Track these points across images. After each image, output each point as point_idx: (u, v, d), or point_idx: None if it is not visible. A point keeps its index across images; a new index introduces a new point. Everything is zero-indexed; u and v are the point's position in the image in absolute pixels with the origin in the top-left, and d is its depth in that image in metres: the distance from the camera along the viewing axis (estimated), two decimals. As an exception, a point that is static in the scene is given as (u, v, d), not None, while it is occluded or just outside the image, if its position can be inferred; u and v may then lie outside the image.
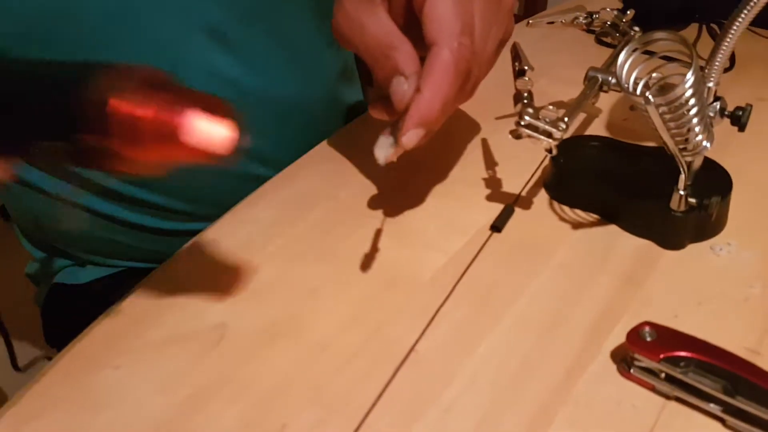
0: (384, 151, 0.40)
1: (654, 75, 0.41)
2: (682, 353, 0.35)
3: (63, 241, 0.66)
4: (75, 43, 0.48)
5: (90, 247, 0.66)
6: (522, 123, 0.42)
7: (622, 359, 0.37)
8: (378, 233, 0.47)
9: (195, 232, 0.48)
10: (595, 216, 0.48)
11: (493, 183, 0.51)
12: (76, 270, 0.69)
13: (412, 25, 0.40)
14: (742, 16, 0.40)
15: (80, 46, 0.48)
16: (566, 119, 0.42)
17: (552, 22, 0.51)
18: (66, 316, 0.68)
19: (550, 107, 0.42)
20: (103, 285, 0.67)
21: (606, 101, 0.60)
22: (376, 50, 0.39)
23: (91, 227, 0.62)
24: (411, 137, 0.38)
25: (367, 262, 0.44)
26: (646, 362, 0.36)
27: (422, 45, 0.39)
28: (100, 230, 0.62)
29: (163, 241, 0.63)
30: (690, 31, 0.73)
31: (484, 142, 0.55)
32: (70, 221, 0.62)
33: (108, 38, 0.49)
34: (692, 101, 0.38)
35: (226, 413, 0.36)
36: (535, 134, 0.42)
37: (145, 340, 0.40)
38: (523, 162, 0.52)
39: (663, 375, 0.36)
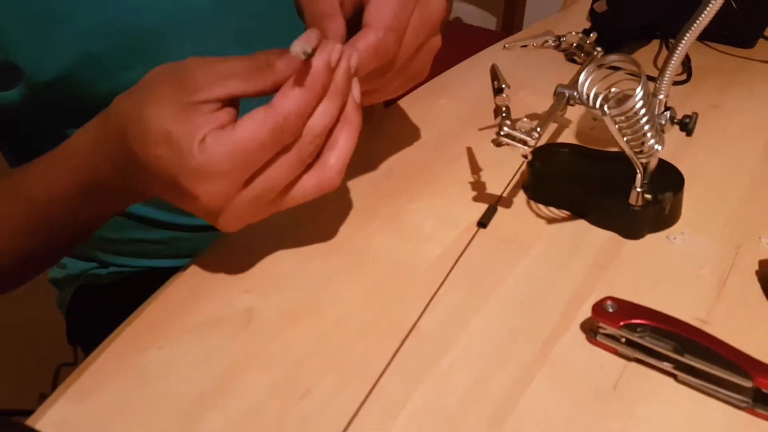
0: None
1: (613, 89, 0.48)
2: (639, 321, 0.42)
3: (92, 245, 0.72)
4: (132, 58, 0.55)
5: (119, 249, 0.72)
6: (501, 133, 0.49)
7: (590, 329, 0.44)
8: (380, 230, 0.53)
9: None
10: (567, 212, 0.55)
11: (478, 185, 0.58)
12: (98, 273, 0.75)
13: (353, 23, 0.46)
14: (686, 38, 0.47)
15: (133, 59, 0.55)
16: (538, 129, 0.49)
17: (525, 46, 0.58)
18: (90, 317, 0.74)
19: (525, 119, 0.49)
20: (125, 286, 0.73)
21: (575, 113, 0.67)
22: (317, 16, 0.45)
23: (124, 230, 0.68)
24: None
25: (372, 255, 0.51)
26: (609, 330, 0.43)
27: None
28: (132, 232, 0.69)
29: (193, 237, 0.69)
30: (651, 47, 0.81)
31: (469, 150, 0.62)
32: (104, 226, 0.68)
33: (155, 50, 0.55)
34: (643, 111, 0.46)
35: (259, 382, 0.42)
36: (513, 142, 0.49)
37: (183, 325, 0.46)
38: (504, 167, 0.59)
39: (624, 340, 0.43)
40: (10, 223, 0.50)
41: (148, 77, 0.42)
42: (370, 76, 0.45)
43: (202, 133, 0.40)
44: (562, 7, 0.98)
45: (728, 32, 0.51)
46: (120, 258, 0.74)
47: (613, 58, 0.45)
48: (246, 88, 0.41)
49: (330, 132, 0.43)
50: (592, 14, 0.86)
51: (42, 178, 0.48)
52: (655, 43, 0.81)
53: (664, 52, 0.79)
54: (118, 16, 0.53)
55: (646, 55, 0.80)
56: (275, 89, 0.42)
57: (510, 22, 1.81)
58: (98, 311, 0.74)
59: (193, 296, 0.48)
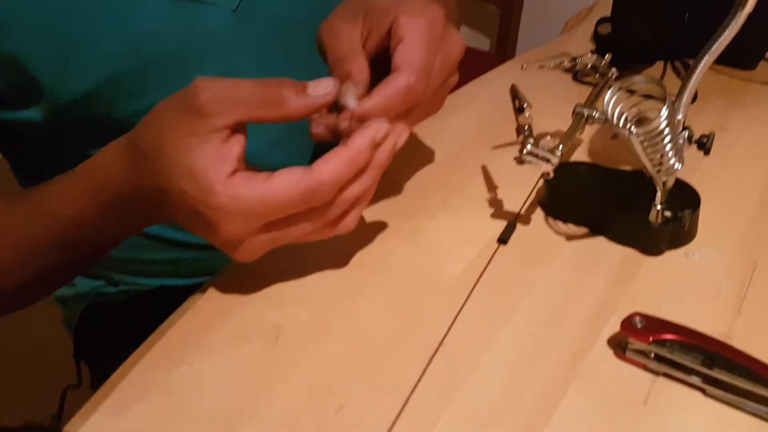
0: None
1: (633, 110, 0.49)
2: (668, 336, 0.43)
3: (102, 264, 0.72)
4: (154, 79, 0.55)
5: (129, 268, 0.72)
6: (525, 151, 0.50)
7: (618, 344, 0.45)
8: (401, 247, 0.54)
9: None
10: (585, 229, 0.56)
11: (495, 202, 0.59)
12: (108, 291, 0.74)
13: (376, 63, 0.47)
14: (705, 60, 0.49)
15: (155, 81, 0.55)
16: (561, 147, 0.50)
17: (542, 66, 0.59)
18: (100, 335, 0.74)
19: (548, 137, 0.50)
20: (135, 304, 0.73)
21: (586, 132, 0.68)
22: (339, 57, 0.46)
23: (135, 249, 0.68)
24: (344, 122, 0.44)
25: (394, 271, 0.52)
26: (638, 345, 0.43)
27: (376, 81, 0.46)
28: (142, 252, 0.68)
29: (204, 256, 0.69)
30: (656, 69, 0.82)
31: (484, 168, 0.63)
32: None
33: (177, 72, 0.56)
34: (666, 131, 0.47)
35: (292, 397, 0.42)
36: (536, 160, 0.50)
37: (211, 341, 0.46)
38: (519, 184, 0.60)
39: (652, 355, 0.43)
40: (29, 240, 0.50)
41: (161, 105, 0.43)
42: (397, 116, 0.46)
43: (227, 169, 0.40)
44: (563, 30, 0.99)
45: (731, 54, 0.53)
46: (130, 277, 0.74)
47: (638, 79, 0.46)
48: (254, 116, 0.41)
49: None
50: (596, 36, 0.87)
51: (63, 196, 0.48)
52: (659, 64, 0.83)
53: (670, 73, 0.80)
54: (141, 39, 0.54)
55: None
56: (284, 121, 0.42)
57: (504, 44, 1.84)
58: (108, 329, 0.74)
59: (219, 312, 0.48)
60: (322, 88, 0.42)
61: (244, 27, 0.59)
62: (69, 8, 0.50)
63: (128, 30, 0.53)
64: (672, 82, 0.79)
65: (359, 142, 0.42)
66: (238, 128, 0.42)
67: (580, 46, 0.89)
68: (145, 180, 0.42)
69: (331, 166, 0.41)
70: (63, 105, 0.54)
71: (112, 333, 0.74)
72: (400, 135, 0.44)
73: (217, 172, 0.40)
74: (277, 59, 0.62)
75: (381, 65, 0.47)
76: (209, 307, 0.49)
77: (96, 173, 0.46)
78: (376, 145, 0.42)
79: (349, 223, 0.45)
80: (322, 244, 0.53)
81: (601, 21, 0.88)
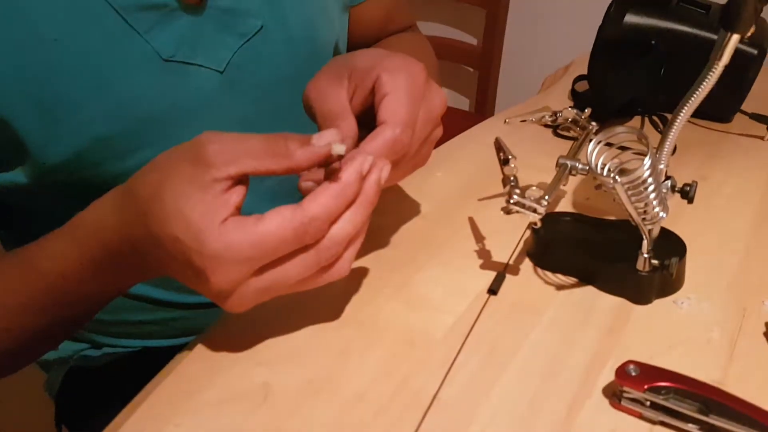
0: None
1: (615, 160, 0.50)
2: (663, 383, 0.42)
3: (86, 327, 0.71)
4: (139, 141, 0.55)
5: (113, 330, 0.71)
6: (512, 201, 0.50)
7: (613, 393, 0.44)
8: (391, 301, 0.53)
9: None
10: (574, 279, 0.56)
11: (483, 254, 0.59)
12: (91, 354, 0.73)
13: (362, 120, 0.48)
14: (685, 110, 0.50)
15: (141, 142, 0.55)
16: (547, 197, 0.51)
17: (524, 120, 0.60)
18: (82, 400, 0.72)
19: (534, 188, 0.50)
20: (118, 367, 0.71)
21: (569, 183, 0.69)
22: (328, 116, 0.47)
23: (118, 311, 0.66)
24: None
25: (385, 326, 0.51)
26: (633, 393, 0.43)
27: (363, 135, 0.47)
28: (126, 313, 0.67)
29: (188, 315, 0.68)
30: (633, 123, 0.84)
31: (471, 219, 0.63)
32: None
33: (163, 133, 0.56)
34: (649, 180, 0.47)
35: (282, 457, 0.41)
36: (523, 210, 0.50)
37: (199, 401, 0.45)
38: (506, 235, 0.60)
39: (648, 403, 0.43)
40: (18, 298, 0.49)
41: (166, 154, 0.43)
42: None
43: (221, 216, 0.40)
44: (541, 89, 1.02)
45: (707, 108, 0.55)
46: (113, 339, 0.72)
47: (620, 130, 0.47)
48: (259, 168, 0.42)
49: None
50: (574, 93, 0.89)
51: (52, 253, 0.47)
52: (637, 119, 0.84)
53: (648, 127, 0.82)
54: (128, 101, 0.54)
55: (629, 130, 0.83)
56: (289, 173, 0.43)
57: (482, 104, 1.87)
58: (90, 394, 0.72)
59: (207, 371, 0.47)
60: (325, 138, 0.42)
61: (231, 87, 0.59)
62: (55, 70, 0.50)
63: (115, 92, 0.53)
64: (650, 135, 0.81)
65: (347, 174, 0.42)
66: (241, 180, 0.42)
67: (558, 103, 0.90)
68: (137, 229, 0.42)
69: (321, 200, 0.41)
70: (49, 167, 0.54)
71: (95, 398, 0.72)
72: (383, 168, 0.44)
73: (211, 220, 0.40)
74: (263, 117, 0.62)
75: (367, 121, 0.48)
76: (195, 366, 0.48)
77: (86, 227, 0.46)
78: (363, 177, 0.43)
79: (343, 267, 0.45)
80: (310, 298, 0.53)
81: (579, 79, 0.90)
